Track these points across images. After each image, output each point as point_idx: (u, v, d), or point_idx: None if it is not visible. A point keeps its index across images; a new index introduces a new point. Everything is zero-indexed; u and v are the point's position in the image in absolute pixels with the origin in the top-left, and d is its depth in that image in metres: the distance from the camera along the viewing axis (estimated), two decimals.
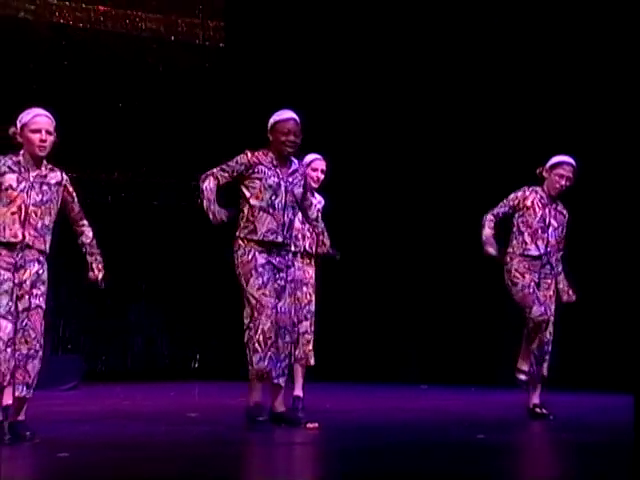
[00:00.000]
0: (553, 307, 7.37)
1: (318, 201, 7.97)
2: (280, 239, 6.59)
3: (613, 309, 9.40)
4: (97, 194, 11.24)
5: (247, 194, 6.59)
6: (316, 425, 6.62)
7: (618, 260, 9.27)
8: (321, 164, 7.85)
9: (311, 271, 7.81)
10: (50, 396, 8.96)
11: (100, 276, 6.25)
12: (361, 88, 11.31)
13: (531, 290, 7.31)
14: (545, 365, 7.33)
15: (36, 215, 6.00)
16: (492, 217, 7.41)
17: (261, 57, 11.63)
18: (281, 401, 6.73)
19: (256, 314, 6.50)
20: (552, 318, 7.35)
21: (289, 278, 6.72)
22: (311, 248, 7.81)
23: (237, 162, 6.60)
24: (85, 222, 6.27)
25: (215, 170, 6.60)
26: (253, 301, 6.51)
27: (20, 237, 5.97)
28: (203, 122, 11.80)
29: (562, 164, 7.35)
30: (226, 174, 6.57)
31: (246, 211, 6.58)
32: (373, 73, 11.24)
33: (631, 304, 7.69)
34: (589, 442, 6.02)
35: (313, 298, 7.80)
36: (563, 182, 7.35)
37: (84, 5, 11.29)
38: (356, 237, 10.96)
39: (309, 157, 7.89)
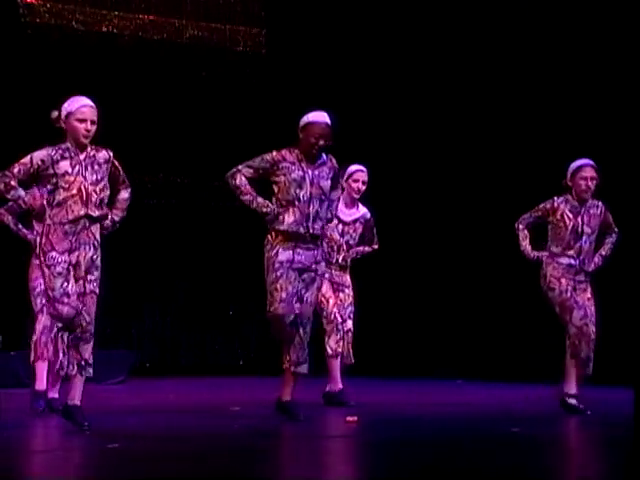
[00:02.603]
0: (593, 308, 7.44)
1: (362, 215, 8.15)
2: (302, 230, 6.71)
3: (614, 302, 9.47)
4: (143, 196, 11.43)
5: (275, 189, 6.78)
6: (355, 419, 6.75)
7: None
8: (362, 175, 8.03)
9: (348, 277, 8.13)
10: (99, 389, 9.17)
11: (106, 225, 6.23)
12: (399, 94, 11.40)
13: (569, 295, 7.37)
14: (590, 365, 7.39)
15: (96, 193, 6.14)
16: (523, 227, 7.53)
17: (301, 63, 11.73)
18: (290, 391, 6.81)
19: (270, 303, 6.71)
20: (593, 319, 7.41)
21: (320, 272, 6.84)
22: (345, 261, 8.07)
23: (262, 159, 6.78)
24: (126, 186, 6.39)
25: (240, 167, 6.78)
26: (269, 293, 6.72)
27: (83, 213, 6.08)
28: (244, 127, 11.94)
29: (582, 167, 7.43)
30: (251, 170, 6.76)
31: (275, 205, 6.77)
32: (411, 80, 11.31)
33: (632, 297, 7.76)
34: (620, 436, 6.06)
35: (353, 299, 8.07)
36: (588, 183, 7.41)
37: (131, 14, 11.51)
38: (391, 237, 11.06)
39: (351, 168, 8.06)
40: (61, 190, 6.10)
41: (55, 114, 6.26)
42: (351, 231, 8.08)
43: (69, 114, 6.19)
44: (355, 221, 8.10)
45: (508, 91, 10.77)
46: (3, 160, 7.19)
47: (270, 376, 8.00)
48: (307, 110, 7.10)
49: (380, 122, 11.47)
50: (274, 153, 6.80)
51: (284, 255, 6.72)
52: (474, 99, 11.02)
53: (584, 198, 7.47)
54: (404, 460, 5.13)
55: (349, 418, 6.79)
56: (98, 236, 6.20)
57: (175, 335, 11.76)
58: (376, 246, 8.24)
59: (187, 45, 11.76)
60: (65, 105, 6.23)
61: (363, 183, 8.03)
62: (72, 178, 6.10)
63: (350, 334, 8.03)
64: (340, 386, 7.98)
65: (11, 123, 10.79)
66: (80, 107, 6.20)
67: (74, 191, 6.10)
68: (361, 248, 8.18)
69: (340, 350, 7.99)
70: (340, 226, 8.01)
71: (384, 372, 10.74)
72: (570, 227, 7.42)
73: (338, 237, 8.05)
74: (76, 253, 6.12)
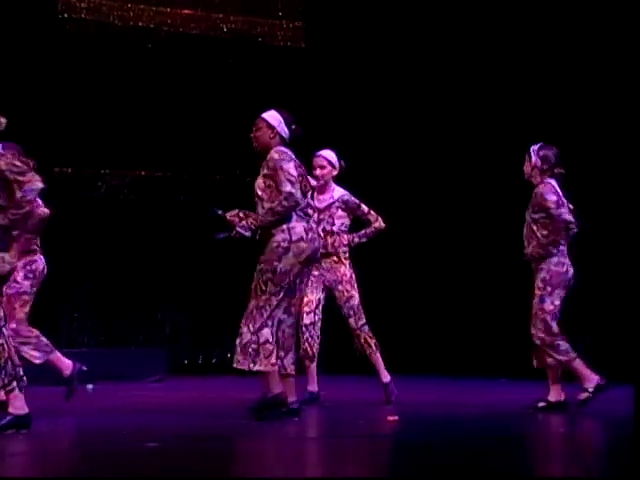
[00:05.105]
0: (534, 300, 7.42)
1: (337, 198, 7.88)
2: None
3: (614, 300, 9.39)
4: (177, 192, 11.41)
5: None
6: (396, 418, 6.74)
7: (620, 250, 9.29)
8: (316, 161, 7.82)
9: (343, 269, 7.88)
10: (136, 388, 9.17)
11: None
12: (425, 87, 11.33)
13: None
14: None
15: None
16: None
17: (341, 57, 11.64)
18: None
19: None
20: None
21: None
22: (333, 247, 7.87)
23: None
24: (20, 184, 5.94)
25: None
26: None
27: None
28: None
29: None
30: None
31: None
32: (435, 74, 11.25)
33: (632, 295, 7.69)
34: (620, 435, 6.01)
35: (353, 293, 7.85)
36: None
37: (169, 9, 11.46)
38: (410, 232, 11.01)
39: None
40: None
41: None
42: (327, 217, 7.85)
43: None
44: (329, 206, 7.89)
45: (505, 82, 10.74)
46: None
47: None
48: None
49: (413, 112, 11.38)
50: None
51: None
52: (473, 93, 10.96)
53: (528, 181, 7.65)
54: (440, 459, 5.12)
55: (390, 417, 6.76)
56: None
57: (214, 332, 11.67)
58: (377, 224, 7.97)
59: (225, 39, 11.70)
60: None
61: (321, 167, 7.81)
62: None
63: (356, 331, 7.85)
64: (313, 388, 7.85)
65: (51, 120, 10.79)
66: None
67: None
68: (361, 233, 7.97)
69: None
70: (315, 214, 7.69)
71: (428, 370, 10.58)
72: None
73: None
74: None
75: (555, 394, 7.34)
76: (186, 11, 11.53)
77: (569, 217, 7.39)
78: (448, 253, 11.07)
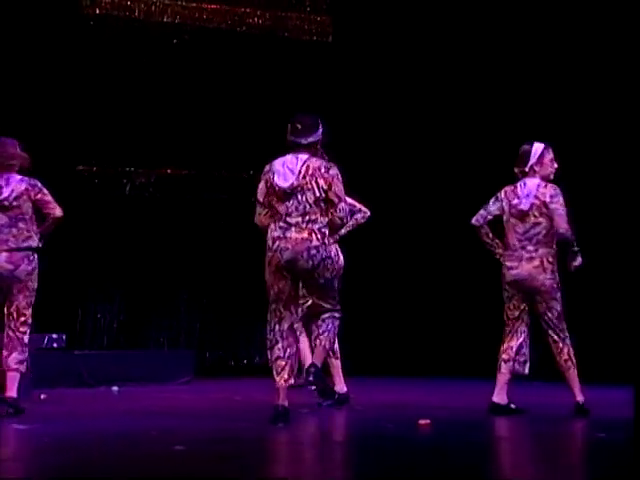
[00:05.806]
0: None
1: None
2: None
3: (614, 300, 9.36)
4: (208, 190, 11.35)
5: None
6: (428, 422, 6.62)
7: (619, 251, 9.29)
8: None
9: None
10: (163, 390, 9.11)
11: None
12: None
13: None
14: None
15: None
16: None
17: (369, 51, 11.57)
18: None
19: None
20: None
21: None
22: None
23: None
24: None
25: None
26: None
27: None
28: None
29: None
30: None
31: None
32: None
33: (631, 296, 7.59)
34: (620, 437, 5.94)
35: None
36: None
37: (194, 4, 11.39)
38: (410, 232, 10.97)
39: None
40: None
41: None
42: None
43: None
44: None
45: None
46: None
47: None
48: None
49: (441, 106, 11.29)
50: None
51: None
52: (471, 90, 11.02)
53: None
54: (446, 460, 5.12)
55: (422, 421, 6.65)
56: None
57: (242, 334, 11.61)
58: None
59: (251, 34, 11.63)
60: None
61: None
62: None
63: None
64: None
65: (75, 118, 10.75)
66: None
67: None
68: None
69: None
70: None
71: (431, 371, 10.48)
72: None
73: None
74: None
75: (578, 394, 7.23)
76: (212, 6, 11.49)
77: (472, 220, 7.33)
78: (452, 253, 10.98)
